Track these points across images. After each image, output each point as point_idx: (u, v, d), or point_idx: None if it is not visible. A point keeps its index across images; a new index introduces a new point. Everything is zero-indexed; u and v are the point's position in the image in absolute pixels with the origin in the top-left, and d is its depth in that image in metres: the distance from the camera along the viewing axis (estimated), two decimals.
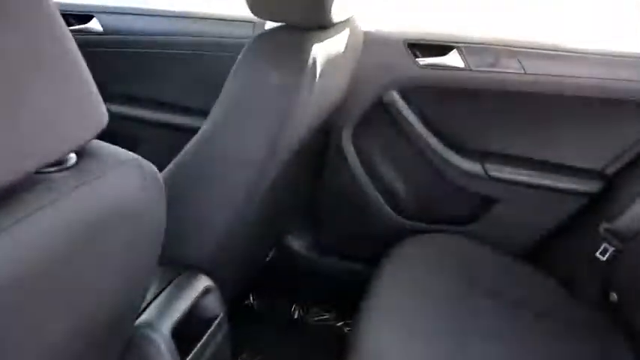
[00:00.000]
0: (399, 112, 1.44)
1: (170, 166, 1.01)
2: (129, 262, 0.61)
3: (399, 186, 1.55)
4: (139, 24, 1.65)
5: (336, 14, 1.01)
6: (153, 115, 1.67)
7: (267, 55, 0.98)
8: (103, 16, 1.68)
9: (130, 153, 0.59)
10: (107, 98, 1.61)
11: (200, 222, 1.00)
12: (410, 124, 1.44)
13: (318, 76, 0.99)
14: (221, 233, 1.01)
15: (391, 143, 1.50)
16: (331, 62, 1.06)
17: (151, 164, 0.61)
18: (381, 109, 1.45)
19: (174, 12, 1.63)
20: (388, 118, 1.46)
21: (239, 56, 1.00)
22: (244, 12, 1.52)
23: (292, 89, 0.95)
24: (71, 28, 1.69)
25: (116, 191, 0.55)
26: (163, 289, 0.93)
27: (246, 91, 0.98)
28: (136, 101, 1.70)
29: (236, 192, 0.99)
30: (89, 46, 1.69)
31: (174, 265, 0.99)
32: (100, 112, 0.53)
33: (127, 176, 0.57)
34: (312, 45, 0.98)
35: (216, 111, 0.99)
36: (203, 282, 0.97)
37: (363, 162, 1.52)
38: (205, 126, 0.99)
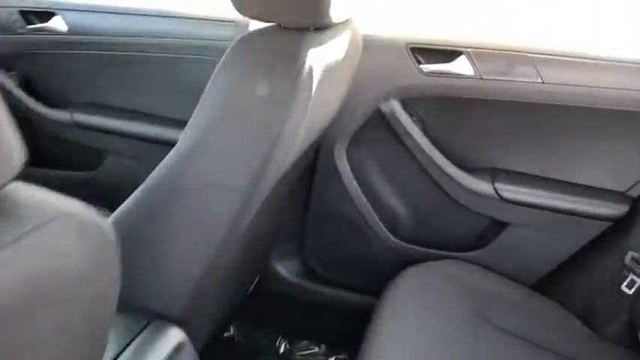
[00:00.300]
0: (400, 124, 1.28)
1: (132, 196, 0.84)
2: (65, 349, 0.45)
3: (399, 207, 1.39)
4: (107, 23, 1.49)
5: (336, 13, 0.85)
6: (122, 125, 1.50)
7: (254, 60, 0.82)
8: (68, 13, 1.51)
9: (63, 201, 0.42)
10: (71, 105, 1.45)
11: (169, 266, 0.83)
12: (411, 137, 1.29)
13: (315, 85, 0.83)
14: (195, 277, 0.84)
15: (390, 159, 1.35)
16: (330, 69, 0.90)
17: (95, 214, 0.44)
18: (380, 120, 1.30)
19: (147, 10, 1.47)
20: (387, 130, 1.31)
21: (219, 62, 0.84)
22: (226, 11, 1.43)
23: (284, 102, 0.79)
24: (32, 26, 1.52)
25: (40, 261, 0.39)
26: (126, 347, 0.76)
27: (227, 105, 0.82)
28: (103, 109, 1.53)
29: (214, 227, 0.83)
30: (52, 47, 1.52)
31: (140, 314, 0.82)
32: (13, 152, 0.36)
33: (57, 237, 0.40)
34: (308, 48, 0.82)
35: (190, 129, 0.82)
36: (174, 336, 0.80)
37: (358, 179, 1.36)
38: (177, 147, 0.83)
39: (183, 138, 0.84)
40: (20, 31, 1.53)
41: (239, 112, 0.81)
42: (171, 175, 0.83)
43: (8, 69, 1.58)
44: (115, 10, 1.48)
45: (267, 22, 0.86)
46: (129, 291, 0.86)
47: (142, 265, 0.83)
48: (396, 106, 1.28)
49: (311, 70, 0.81)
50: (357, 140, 1.33)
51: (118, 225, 0.84)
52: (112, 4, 1.49)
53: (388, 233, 1.38)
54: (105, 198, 1.39)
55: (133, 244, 0.84)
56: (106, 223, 0.46)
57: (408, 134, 1.29)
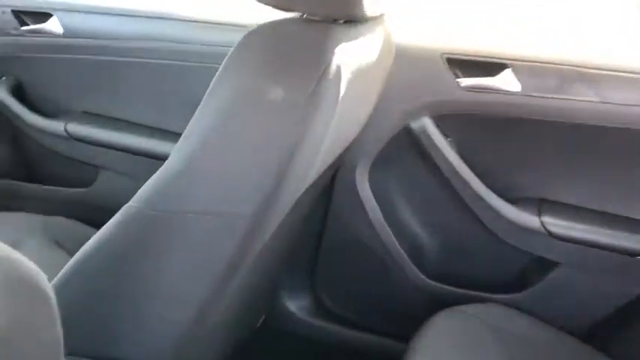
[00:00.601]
0: (432, 145, 1.13)
1: (109, 224, 0.69)
2: None
3: (428, 239, 1.22)
4: (107, 25, 1.35)
5: (371, 4, 0.70)
6: (118, 137, 1.35)
7: (268, 57, 0.67)
8: (65, 14, 1.36)
9: None
10: (64, 115, 1.30)
11: (153, 310, 0.67)
12: (445, 160, 1.13)
13: (342, 89, 0.67)
14: (185, 324, 0.68)
15: (419, 184, 1.19)
16: (361, 71, 0.74)
17: (22, 262, 0.29)
18: (408, 139, 1.15)
19: (150, 13, 1.32)
20: (417, 151, 1.15)
21: (225, 59, 0.69)
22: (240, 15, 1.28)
23: (305, 108, 0.63)
24: (26, 28, 1.38)
25: None
26: None
27: (231, 111, 0.66)
28: (99, 120, 1.38)
29: (210, 263, 0.66)
30: (47, 50, 1.38)
31: None
32: None
33: None
34: (337, 44, 0.66)
35: (186, 141, 0.67)
36: None
37: (381, 206, 1.20)
38: (168, 163, 0.67)
39: (177, 151, 0.69)
40: (13, 32, 1.39)
41: (247, 121, 0.65)
42: (158, 198, 0.67)
43: (0, 73, 1.44)
44: (116, 11, 1.34)
45: (287, 11, 0.71)
46: (104, 339, 0.70)
47: (118, 308, 0.67)
48: (428, 124, 1.12)
49: (339, 70, 0.65)
50: (381, 161, 1.17)
51: (90, 257, 0.69)
52: (113, 4, 1.35)
53: (415, 269, 1.21)
54: (97, 219, 1.24)
55: (107, 281, 0.68)
56: (35, 273, 0.31)
57: (442, 156, 1.13)
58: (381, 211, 1.20)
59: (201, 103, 0.71)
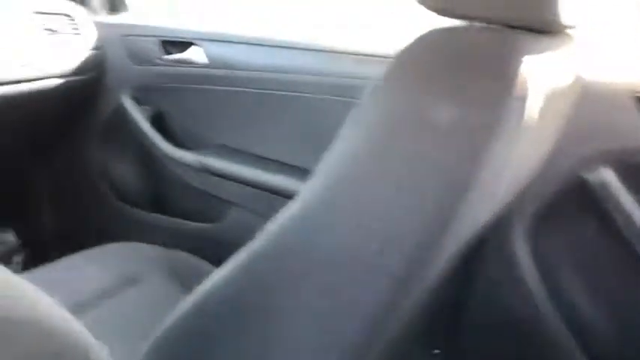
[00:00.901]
0: (614, 202, 0.93)
1: (223, 271, 0.58)
2: None
3: (604, 320, 1.00)
4: (252, 57, 1.30)
5: (568, 11, 0.54)
6: (256, 174, 1.27)
7: (435, 69, 0.53)
8: (211, 44, 1.34)
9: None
10: (201, 147, 1.22)
11: None
12: (630, 221, 0.92)
13: (529, 112, 0.51)
14: None
15: (594, 250, 0.98)
16: (549, 95, 0.58)
17: (70, 329, 0.20)
18: (582, 194, 0.95)
19: (297, 43, 1.26)
20: (592, 209, 0.95)
21: (382, 76, 0.57)
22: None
23: (482, 135, 0.48)
24: (171, 57, 1.37)
25: None
26: None
27: (382, 137, 0.54)
28: (234, 154, 1.32)
29: (345, 326, 0.53)
30: (190, 80, 1.36)
31: None
32: None
33: None
34: (523, 55, 0.51)
35: (320, 175, 0.55)
36: None
37: (543, 275, 1.01)
38: (297, 202, 0.56)
39: (311, 185, 0.57)
40: (159, 62, 1.39)
41: (402, 148, 0.52)
42: (286, 239, 0.55)
43: (142, 102, 1.44)
44: (263, 42, 1.29)
45: (457, 18, 0.57)
46: None
47: None
48: (609, 177, 0.93)
49: (525, 88, 0.50)
50: (544, 217, 0.99)
51: (204, 304, 0.59)
52: (261, 34, 1.30)
53: (581, 353, 0.99)
54: (222, 257, 1.16)
55: (215, 337, 0.57)
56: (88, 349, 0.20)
57: (626, 216, 0.92)
58: (542, 280, 1.01)
59: (342, 130, 0.59)
